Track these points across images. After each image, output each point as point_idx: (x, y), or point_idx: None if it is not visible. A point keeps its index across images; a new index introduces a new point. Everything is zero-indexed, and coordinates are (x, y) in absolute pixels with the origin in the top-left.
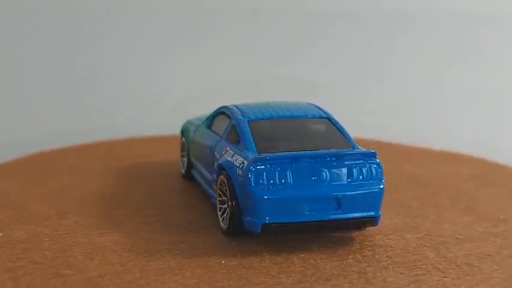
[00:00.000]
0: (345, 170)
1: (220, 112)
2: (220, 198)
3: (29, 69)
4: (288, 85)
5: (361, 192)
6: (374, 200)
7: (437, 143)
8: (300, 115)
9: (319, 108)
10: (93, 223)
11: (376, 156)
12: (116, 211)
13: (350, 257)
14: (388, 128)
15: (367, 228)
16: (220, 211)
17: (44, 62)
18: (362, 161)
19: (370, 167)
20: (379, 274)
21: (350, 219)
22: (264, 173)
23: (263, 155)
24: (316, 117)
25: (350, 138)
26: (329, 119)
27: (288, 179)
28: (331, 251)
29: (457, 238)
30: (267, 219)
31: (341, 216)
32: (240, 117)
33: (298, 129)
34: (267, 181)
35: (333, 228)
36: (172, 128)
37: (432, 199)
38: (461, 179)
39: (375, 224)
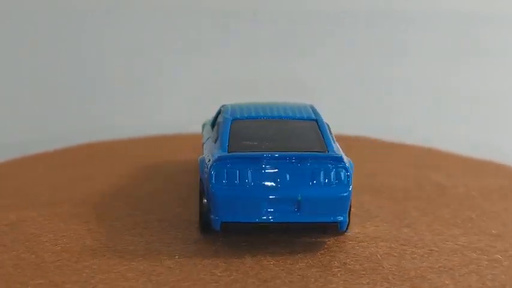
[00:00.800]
0: (308, 173)
1: (219, 111)
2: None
3: (29, 70)
4: (288, 85)
5: (324, 196)
6: (338, 205)
7: (437, 143)
8: (288, 116)
9: (313, 110)
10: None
11: (344, 161)
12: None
13: (305, 261)
14: (389, 128)
15: (347, 234)
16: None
17: (44, 62)
18: (328, 165)
19: (337, 171)
20: (322, 280)
21: (311, 223)
22: (225, 172)
23: (226, 154)
24: (304, 119)
25: (330, 142)
26: (317, 122)
27: (248, 178)
28: (293, 254)
29: (431, 250)
30: (225, 218)
31: (301, 219)
32: (227, 115)
33: (279, 130)
34: (227, 180)
35: (293, 231)
36: (172, 128)
37: (436, 210)
38: (484, 192)
39: (341, 230)
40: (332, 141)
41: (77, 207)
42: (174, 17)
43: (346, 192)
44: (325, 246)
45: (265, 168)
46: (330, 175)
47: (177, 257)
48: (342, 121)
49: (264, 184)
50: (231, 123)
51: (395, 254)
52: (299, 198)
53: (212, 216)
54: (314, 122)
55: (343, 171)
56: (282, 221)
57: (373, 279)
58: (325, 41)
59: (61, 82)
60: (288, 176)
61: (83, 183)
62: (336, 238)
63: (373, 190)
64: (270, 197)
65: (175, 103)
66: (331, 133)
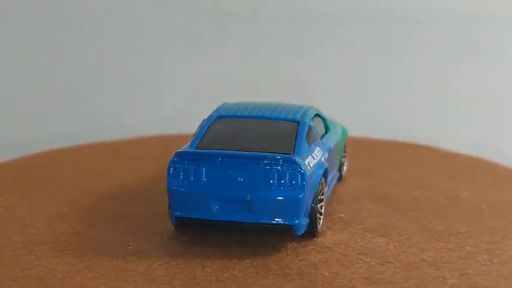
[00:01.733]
0: (261, 174)
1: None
2: None
3: (29, 70)
4: (288, 85)
5: (276, 198)
6: (292, 208)
7: (437, 143)
8: (272, 117)
9: (305, 112)
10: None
11: (299, 163)
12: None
13: (249, 262)
14: (389, 128)
15: (315, 240)
16: None
17: (43, 62)
18: (283, 167)
19: (292, 173)
20: (250, 281)
21: (261, 223)
22: (181, 168)
23: (186, 150)
24: (286, 120)
25: (301, 145)
26: (298, 123)
27: (202, 176)
28: (244, 254)
29: (386, 261)
30: (179, 213)
31: (252, 219)
32: (213, 113)
33: (257, 130)
34: (182, 176)
35: (244, 231)
36: (172, 128)
37: (431, 222)
38: (496, 206)
39: (294, 233)
40: (304, 144)
41: (63, 207)
42: (174, 17)
43: (300, 196)
44: (282, 250)
45: (219, 167)
46: (284, 177)
47: (130, 247)
48: (342, 121)
49: (216, 182)
50: (213, 120)
51: (345, 263)
52: (248, 198)
53: (170, 210)
54: (295, 124)
55: (298, 174)
56: (232, 220)
57: (299, 284)
58: (325, 41)
59: (61, 82)
60: (240, 176)
61: (81, 182)
62: (300, 243)
63: (380, 198)
64: (222, 195)
65: (175, 103)
66: (312, 135)
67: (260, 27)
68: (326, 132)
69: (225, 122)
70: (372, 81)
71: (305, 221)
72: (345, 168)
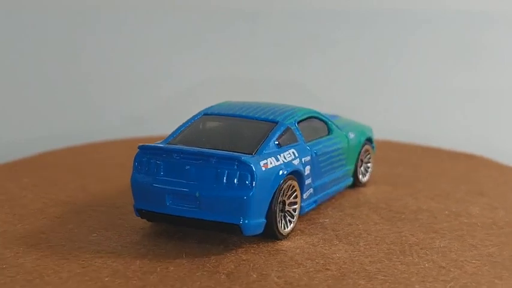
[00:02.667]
0: (212, 172)
1: None
2: None
3: (29, 70)
4: (288, 85)
5: (224, 196)
6: (239, 207)
7: (437, 144)
8: (254, 117)
9: (292, 113)
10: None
11: (248, 163)
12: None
13: (185, 264)
14: (389, 128)
15: (278, 247)
16: None
17: (44, 62)
18: (233, 166)
19: (241, 173)
20: (175, 276)
21: (209, 221)
22: (144, 162)
23: (148, 144)
24: (266, 121)
25: (266, 145)
26: (277, 124)
27: (161, 170)
28: (192, 253)
29: (326, 269)
30: (139, 205)
31: (200, 216)
32: (201, 110)
33: (235, 129)
34: (144, 169)
35: (195, 226)
36: (172, 127)
37: (409, 236)
38: (492, 226)
39: (241, 232)
40: (272, 145)
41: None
42: (174, 17)
43: (247, 195)
44: (233, 249)
45: (175, 163)
46: (233, 176)
47: (95, 234)
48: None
49: (171, 177)
50: (200, 117)
51: (283, 266)
52: (197, 194)
53: (134, 203)
54: (273, 124)
55: (248, 174)
56: (183, 215)
57: (218, 281)
58: (325, 42)
59: (61, 82)
60: (193, 173)
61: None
62: (259, 244)
63: (383, 208)
64: (173, 190)
65: (175, 102)
66: (289, 136)
67: (260, 27)
68: (328, 134)
69: (210, 119)
70: (372, 81)
71: (259, 221)
72: (367, 175)
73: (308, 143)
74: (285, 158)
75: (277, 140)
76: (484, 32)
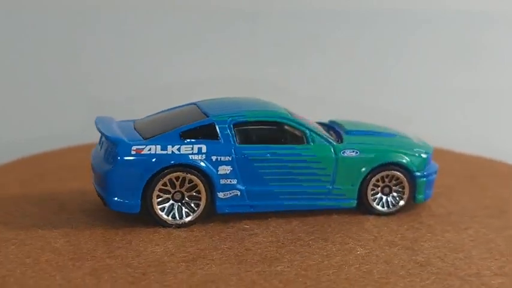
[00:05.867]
0: (108, 151)
1: None
2: None
3: (29, 70)
4: (287, 85)
5: (101, 172)
6: (104, 182)
7: (437, 144)
8: (208, 113)
9: (237, 113)
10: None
11: (116, 144)
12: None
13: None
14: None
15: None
16: None
17: (44, 62)
18: (112, 146)
19: (111, 153)
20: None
21: (98, 194)
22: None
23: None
24: (205, 114)
25: (167, 134)
26: (204, 118)
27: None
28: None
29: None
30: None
31: (98, 190)
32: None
33: (180, 118)
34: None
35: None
36: None
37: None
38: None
39: (112, 208)
40: (172, 136)
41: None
42: (174, 17)
43: (108, 173)
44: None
45: (103, 144)
46: (110, 155)
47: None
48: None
49: (99, 156)
50: (184, 105)
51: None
52: (99, 172)
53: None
54: (202, 118)
55: (116, 154)
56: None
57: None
58: (325, 42)
59: (61, 82)
60: (103, 152)
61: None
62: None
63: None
64: (94, 168)
65: (175, 102)
66: (200, 132)
67: (260, 27)
68: (302, 143)
69: (188, 109)
70: (372, 81)
71: (130, 202)
72: (390, 207)
73: (243, 145)
74: (179, 150)
75: (187, 132)
76: (484, 32)
